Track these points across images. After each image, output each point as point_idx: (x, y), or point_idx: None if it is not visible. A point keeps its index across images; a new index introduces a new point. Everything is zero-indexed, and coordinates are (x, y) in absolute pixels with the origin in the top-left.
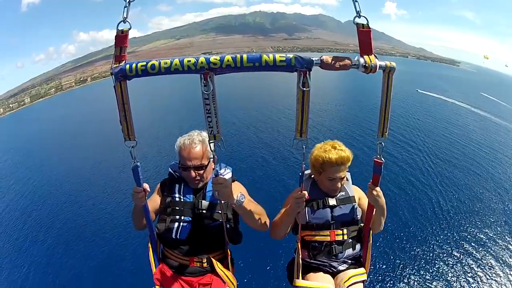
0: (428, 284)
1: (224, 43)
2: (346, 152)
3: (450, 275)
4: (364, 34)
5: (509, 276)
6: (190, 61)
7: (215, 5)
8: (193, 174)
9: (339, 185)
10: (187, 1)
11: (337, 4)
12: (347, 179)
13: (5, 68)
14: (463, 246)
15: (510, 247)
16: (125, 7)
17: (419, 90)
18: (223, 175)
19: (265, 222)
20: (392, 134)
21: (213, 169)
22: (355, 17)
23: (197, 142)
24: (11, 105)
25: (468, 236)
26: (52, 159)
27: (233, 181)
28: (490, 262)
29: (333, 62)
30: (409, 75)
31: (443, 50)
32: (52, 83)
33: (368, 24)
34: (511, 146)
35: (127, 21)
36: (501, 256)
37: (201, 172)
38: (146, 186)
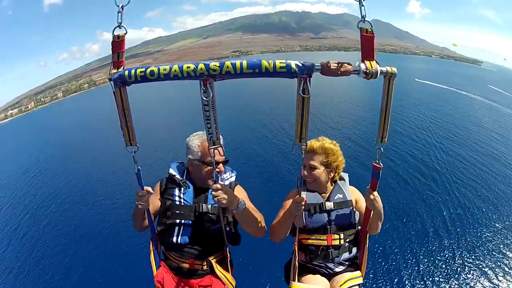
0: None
1: (252, 42)
2: (317, 144)
3: (447, 280)
4: (367, 39)
5: None
6: (189, 67)
7: (239, 4)
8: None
9: (310, 174)
10: (211, 0)
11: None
12: (343, 180)
13: (27, 66)
14: (464, 250)
15: None
16: (118, 12)
17: (416, 79)
18: (226, 180)
19: (262, 228)
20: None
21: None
22: (359, 22)
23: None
24: (43, 99)
25: (470, 240)
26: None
27: (235, 185)
28: (494, 270)
29: (333, 68)
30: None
31: (467, 49)
32: (81, 80)
33: (372, 30)
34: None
35: (123, 26)
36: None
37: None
38: (148, 189)
